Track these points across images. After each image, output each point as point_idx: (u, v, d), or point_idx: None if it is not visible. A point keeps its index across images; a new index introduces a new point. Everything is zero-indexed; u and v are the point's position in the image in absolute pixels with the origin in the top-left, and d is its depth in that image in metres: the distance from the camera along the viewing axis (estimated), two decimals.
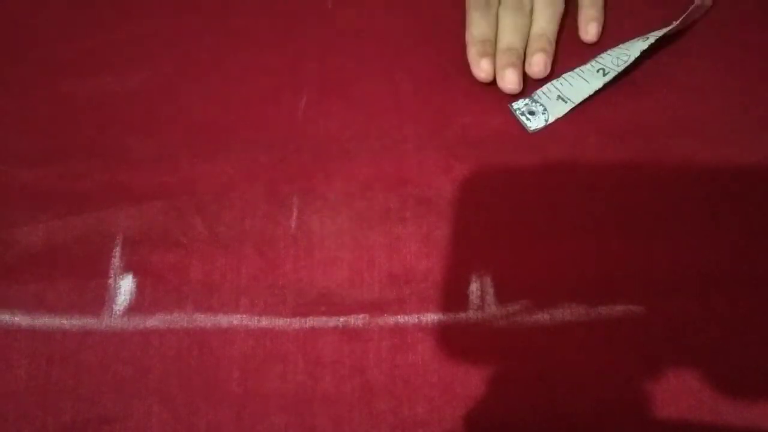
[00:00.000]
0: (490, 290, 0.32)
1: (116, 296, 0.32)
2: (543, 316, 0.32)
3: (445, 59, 0.38)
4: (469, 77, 0.37)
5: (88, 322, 0.32)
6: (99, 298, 0.32)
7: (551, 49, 0.37)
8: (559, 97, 0.35)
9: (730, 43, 0.37)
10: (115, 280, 0.32)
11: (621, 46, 0.36)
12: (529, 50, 0.37)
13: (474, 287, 0.32)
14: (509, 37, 0.37)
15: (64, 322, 0.32)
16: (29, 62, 0.36)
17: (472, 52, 0.36)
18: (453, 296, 0.32)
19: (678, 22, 0.35)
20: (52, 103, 0.35)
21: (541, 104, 0.35)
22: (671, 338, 0.32)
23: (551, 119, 0.35)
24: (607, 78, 0.35)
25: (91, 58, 0.36)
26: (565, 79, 0.36)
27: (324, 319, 0.32)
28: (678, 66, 0.37)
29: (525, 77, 0.36)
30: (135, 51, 0.36)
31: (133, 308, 0.32)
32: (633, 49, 0.35)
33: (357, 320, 0.32)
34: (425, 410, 0.31)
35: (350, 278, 0.32)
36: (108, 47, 0.37)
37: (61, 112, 0.35)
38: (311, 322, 0.32)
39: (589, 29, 0.38)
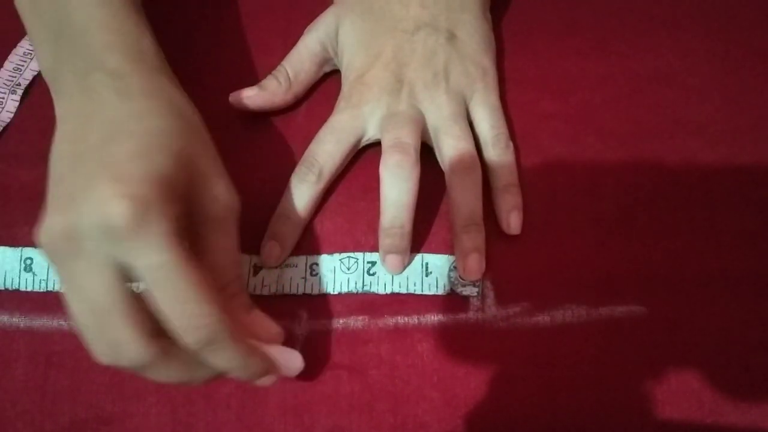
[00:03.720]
0: (491, 292, 0.32)
1: None
2: (543, 318, 0.32)
3: None
4: None
5: None
6: None
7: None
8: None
9: (730, 43, 0.37)
10: None
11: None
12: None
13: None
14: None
15: (63, 323, 0.31)
16: None
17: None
18: (453, 298, 0.32)
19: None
20: (52, 103, 0.35)
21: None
22: (671, 338, 0.32)
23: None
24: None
25: None
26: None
27: (324, 321, 0.32)
28: (678, 66, 0.37)
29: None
30: None
31: None
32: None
33: (357, 321, 0.32)
34: (425, 411, 0.31)
35: None
36: None
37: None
38: (311, 324, 0.32)
39: (512, 220, 0.32)
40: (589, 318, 0.32)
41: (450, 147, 0.32)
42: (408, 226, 0.31)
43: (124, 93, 0.26)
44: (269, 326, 0.29)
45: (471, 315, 0.32)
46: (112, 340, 0.24)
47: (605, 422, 0.31)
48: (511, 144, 0.34)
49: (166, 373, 0.25)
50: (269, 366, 0.27)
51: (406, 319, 0.32)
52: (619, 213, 0.34)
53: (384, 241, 0.31)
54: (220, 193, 0.27)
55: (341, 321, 0.32)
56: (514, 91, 0.36)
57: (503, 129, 0.34)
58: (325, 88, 0.37)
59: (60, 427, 0.30)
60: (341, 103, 0.34)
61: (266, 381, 0.27)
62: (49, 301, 0.32)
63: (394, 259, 0.31)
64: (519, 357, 0.31)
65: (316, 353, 0.31)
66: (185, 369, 0.25)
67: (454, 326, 0.32)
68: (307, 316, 0.32)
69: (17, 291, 0.32)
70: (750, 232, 0.33)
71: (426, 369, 0.31)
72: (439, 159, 0.33)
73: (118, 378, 0.31)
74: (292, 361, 0.28)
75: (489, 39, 0.35)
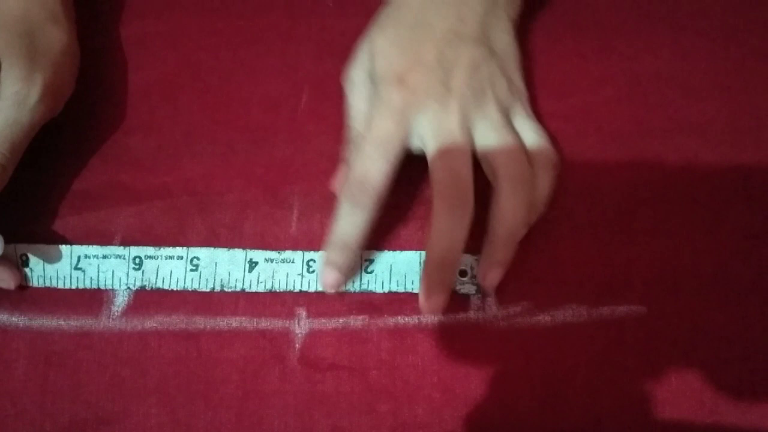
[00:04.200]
0: (491, 292, 0.32)
1: (114, 297, 0.32)
2: (544, 318, 0.32)
3: None
4: None
5: (86, 322, 0.31)
6: (97, 299, 0.32)
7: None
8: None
9: (730, 43, 0.37)
10: None
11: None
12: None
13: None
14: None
15: (62, 322, 0.31)
16: None
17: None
18: (454, 297, 0.32)
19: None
20: None
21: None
22: (671, 338, 0.32)
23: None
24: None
25: (92, 58, 0.35)
26: None
27: (323, 320, 0.32)
28: (678, 66, 0.37)
29: None
30: (136, 51, 0.36)
31: (131, 309, 0.32)
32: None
33: (357, 321, 0.32)
34: (425, 411, 0.31)
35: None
36: (109, 47, 0.36)
37: (61, 111, 0.35)
38: (311, 323, 0.32)
39: (490, 275, 0.31)
40: (589, 318, 0.32)
41: (506, 157, 0.31)
42: (457, 263, 0.30)
43: None
44: None
45: (471, 315, 0.32)
46: None
47: (605, 422, 0.31)
48: (556, 166, 0.32)
49: None
50: None
51: (406, 318, 0.32)
52: (619, 213, 0.34)
53: (432, 276, 0.30)
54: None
55: (341, 320, 0.32)
56: None
57: (549, 145, 0.33)
58: (325, 87, 0.37)
59: (60, 426, 0.30)
60: (380, 107, 0.31)
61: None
62: (49, 301, 0.32)
63: (438, 299, 0.30)
64: (519, 357, 0.31)
65: (316, 353, 0.31)
66: None
67: (455, 326, 0.32)
68: (306, 314, 0.32)
69: (16, 290, 0.32)
70: (750, 232, 0.33)
71: (426, 369, 0.31)
72: (488, 168, 0.32)
73: (118, 378, 0.31)
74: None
75: (521, 58, 0.34)
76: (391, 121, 0.30)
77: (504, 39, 0.34)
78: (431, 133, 0.31)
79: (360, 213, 0.30)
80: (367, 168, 0.30)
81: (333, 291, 0.31)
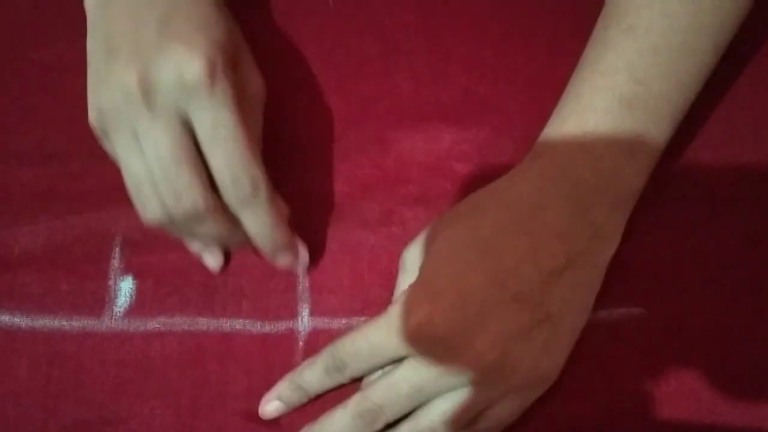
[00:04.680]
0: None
1: (116, 298, 0.32)
2: None
3: (445, 58, 0.37)
4: (469, 77, 0.37)
5: (88, 323, 0.32)
6: (99, 300, 0.32)
7: None
8: None
9: (730, 43, 0.37)
10: (114, 281, 0.32)
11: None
12: None
13: None
14: None
15: (64, 323, 0.31)
16: (30, 62, 0.36)
17: None
18: None
19: None
20: (52, 103, 0.35)
21: None
22: (671, 338, 0.32)
23: None
24: None
25: None
26: None
27: (326, 321, 0.32)
28: None
29: None
30: None
31: (133, 310, 0.32)
32: None
33: (359, 322, 0.32)
34: None
35: (352, 279, 0.32)
36: None
37: (62, 111, 0.35)
38: (314, 324, 0.32)
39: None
40: (588, 319, 0.32)
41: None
42: None
43: None
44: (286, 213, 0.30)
45: None
46: (174, 189, 0.27)
47: (605, 423, 0.31)
48: None
49: (211, 227, 0.28)
50: (290, 242, 0.30)
51: None
52: None
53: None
54: (255, 77, 0.30)
55: (343, 321, 0.32)
56: (515, 91, 0.36)
57: None
58: (324, 87, 0.37)
59: (63, 427, 0.30)
60: (392, 318, 0.28)
61: (284, 259, 0.30)
62: (51, 301, 0.32)
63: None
64: None
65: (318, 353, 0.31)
66: (226, 227, 0.28)
67: None
68: (309, 315, 0.32)
69: (18, 292, 0.32)
70: (750, 232, 0.34)
71: None
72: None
73: (121, 379, 0.31)
74: (303, 251, 0.32)
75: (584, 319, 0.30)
76: (392, 334, 0.28)
77: (572, 300, 0.29)
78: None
79: (331, 381, 0.29)
80: (357, 352, 0.29)
81: (266, 418, 0.30)
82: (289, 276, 0.32)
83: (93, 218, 0.33)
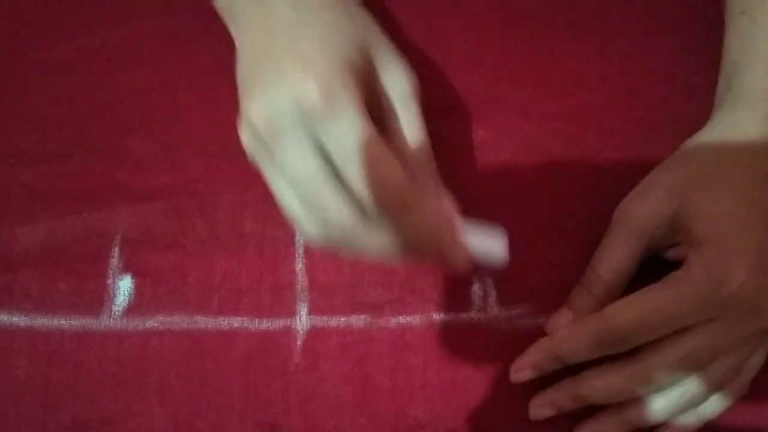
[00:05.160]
0: (492, 292, 0.32)
1: (115, 297, 0.32)
2: (545, 319, 0.32)
3: (445, 58, 0.38)
4: (469, 77, 0.37)
5: (87, 322, 0.32)
6: (98, 299, 0.32)
7: None
8: None
9: None
10: (113, 280, 0.32)
11: None
12: None
13: (476, 288, 0.32)
14: None
15: (63, 322, 0.31)
16: (29, 62, 0.36)
17: None
18: (455, 297, 0.32)
19: None
20: (52, 103, 0.35)
21: None
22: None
23: None
24: None
25: (92, 58, 0.35)
26: None
27: (325, 319, 0.32)
28: (678, 66, 0.37)
29: None
30: (135, 51, 0.36)
31: (132, 309, 0.32)
32: None
33: (358, 321, 0.32)
34: (426, 411, 0.31)
35: (352, 278, 0.32)
36: (108, 47, 0.36)
37: (62, 111, 0.35)
38: (312, 322, 0.32)
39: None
40: None
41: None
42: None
43: (300, 4, 0.28)
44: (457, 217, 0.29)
45: (473, 315, 0.32)
46: (322, 211, 0.26)
47: None
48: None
49: (371, 240, 0.27)
50: (458, 245, 0.28)
51: (407, 318, 0.32)
52: None
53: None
54: (399, 75, 0.29)
55: (342, 319, 0.32)
56: (515, 91, 0.37)
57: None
58: None
59: (62, 426, 0.30)
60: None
61: (461, 264, 0.28)
62: (50, 300, 0.32)
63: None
64: None
65: (317, 352, 0.31)
66: (387, 236, 0.27)
67: (456, 326, 0.32)
68: (307, 313, 0.32)
69: (17, 291, 0.32)
70: None
71: (426, 369, 0.31)
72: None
73: (120, 377, 0.31)
74: (494, 247, 0.29)
75: None
76: (697, 303, 0.28)
77: None
78: None
79: (599, 352, 0.30)
80: (643, 324, 0.28)
81: (517, 382, 0.31)
82: (288, 274, 0.32)
83: (92, 218, 0.33)
